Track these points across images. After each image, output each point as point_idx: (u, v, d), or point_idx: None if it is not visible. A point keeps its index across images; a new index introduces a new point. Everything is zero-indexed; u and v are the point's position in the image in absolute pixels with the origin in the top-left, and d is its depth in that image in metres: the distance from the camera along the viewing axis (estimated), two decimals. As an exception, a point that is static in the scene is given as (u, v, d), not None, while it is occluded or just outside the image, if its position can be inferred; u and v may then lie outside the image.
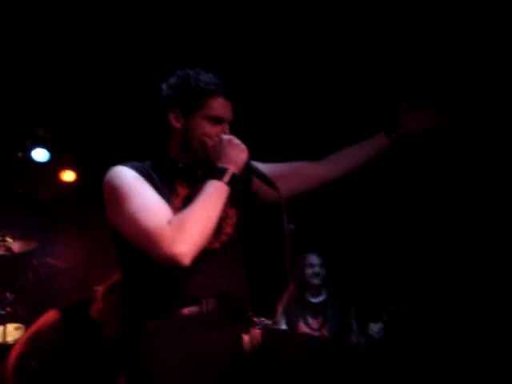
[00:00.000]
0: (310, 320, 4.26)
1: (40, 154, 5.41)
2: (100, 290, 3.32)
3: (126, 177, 1.99)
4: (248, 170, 2.10)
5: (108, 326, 3.24)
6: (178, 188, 2.08)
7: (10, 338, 4.11)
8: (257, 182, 2.23)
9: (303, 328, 4.19)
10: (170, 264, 1.83)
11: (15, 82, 4.95)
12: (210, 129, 2.09)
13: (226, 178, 1.98)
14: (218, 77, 2.13)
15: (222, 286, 2.00)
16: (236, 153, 2.03)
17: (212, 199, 1.93)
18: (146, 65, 4.62)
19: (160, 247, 1.81)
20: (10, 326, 4.22)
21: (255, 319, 2.06)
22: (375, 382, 1.74)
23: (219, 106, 2.10)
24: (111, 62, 4.71)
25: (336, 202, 5.04)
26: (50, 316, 3.31)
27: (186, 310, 1.94)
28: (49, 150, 5.44)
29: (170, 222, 1.85)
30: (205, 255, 1.94)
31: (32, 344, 3.25)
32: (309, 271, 4.37)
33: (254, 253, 2.40)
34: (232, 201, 2.10)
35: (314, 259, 4.42)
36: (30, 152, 5.40)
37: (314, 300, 4.37)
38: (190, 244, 1.83)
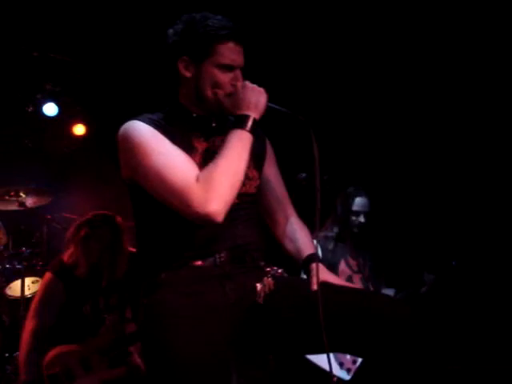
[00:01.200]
0: (351, 261, 3.96)
1: (50, 109, 5.39)
2: (69, 232, 3.47)
3: (144, 132, 1.91)
4: (268, 111, 2.00)
5: (78, 268, 3.41)
6: (195, 143, 2.01)
7: (27, 292, 4.17)
8: (268, 149, 2.22)
9: (344, 268, 3.91)
10: (203, 222, 1.82)
11: (23, 36, 4.91)
12: (221, 77, 1.99)
13: (248, 125, 1.91)
14: (227, 20, 2.03)
15: (236, 239, 1.98)
16: (254, 97, 1.94)
17: (237, 150, 1.87)
18: (153, 12, 4.55)
19: (192, 206, 1.79)
20: (28, 280, 4.28)
21: (268, 269, 2.04)
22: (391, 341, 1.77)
23: (230, 52, 2.00)
24: (119, 11, 4.64)
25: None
26: (46, 279, 3.45)
27: (199, 262, 1.93)
28: (58, 105, 5.42)
29: (197, 180, 1.81)
30: None
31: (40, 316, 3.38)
32: (354, 219, 3.92)
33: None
34: (255, 162, 2.07)
35: (362, 203, 3.94)
36: (40, 106, 5.39)
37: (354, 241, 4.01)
38: (222, 201, 1.80)
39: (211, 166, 1.85)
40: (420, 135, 4.83)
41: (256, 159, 2.09)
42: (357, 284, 3.84)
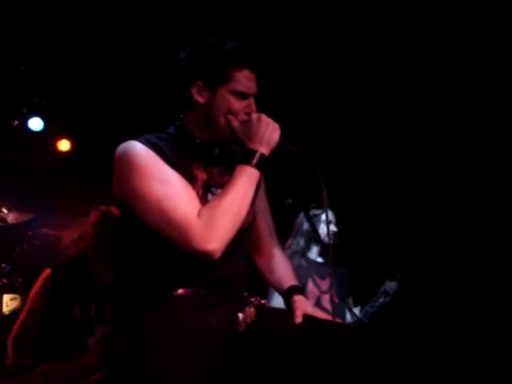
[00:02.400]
0: (319, 281, 3.84)
1: (36, 123, 5.35)
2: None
3: (144, 156, 1.86)
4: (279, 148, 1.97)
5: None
6: (196, 172, 1.97)
7: (6, 309, 4.10)
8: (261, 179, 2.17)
9: (313, 289, 3.80)
10: (200, 258, 1.81)
11: (10, 50, 4.88)
12: (236, 104, 1.96)
13: (257, 162, 1.87)
14: (244, 46, 2.00)
15: (220, 270, 1.94)
16: (268, 132, 1.91)
17: (243, 188, 1.84)
18: (139, 28, 4.55)
19: (191, 242, 1.77)
20: (6, 297, 4.20)
21: (251, 299, 2.02)
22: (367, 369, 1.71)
23: (246, 80, 1.97)
24: (106, 26, 4.62)
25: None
26: (43, 276, 3.42)
27: (182, 291, 1.91)
28: (43, 119, 5.38)
29: (199, 215, 1.78)
30: None
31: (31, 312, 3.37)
32: (324, 229, 3.83)
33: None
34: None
35: (331, 216, 3.83)
36: (26, 121, 5.34)
37: (320, 260, 3.91)
38: (222, 241, 1.79)
39: (215, 201, 1.83)
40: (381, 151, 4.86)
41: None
42: (326, 305, 3.74)
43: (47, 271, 3.43)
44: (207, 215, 1.78)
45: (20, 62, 5.02)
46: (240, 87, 1.96)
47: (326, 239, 3.83)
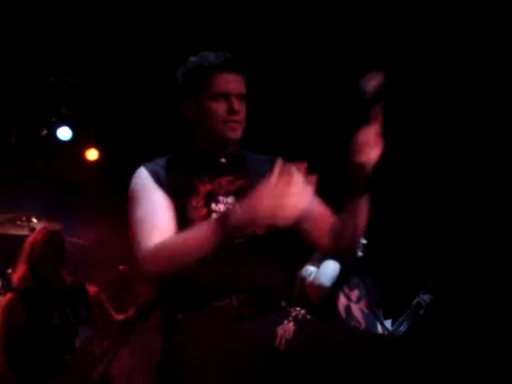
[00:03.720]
0: (347, 291, 3.79)
1: (64, 133, 5.38)
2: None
3: (138, 182, 1.99)
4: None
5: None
6: (198, 186, 1.99)
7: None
8: None
9: (342, 300, 3.75)
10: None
11: (40, 61, 4.93)
12: (215, 106, 1.99)
13: (236, 233, 1.81)
14: (221, 53, 2.04)
15: (254, 280, 1.92)
16: (271, 212, 1.66)
17: (206, 243, 1.78)
18: (169, 39, 4.59)
19: (137, 264, 1.88)
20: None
21: (290, 310, 1.95)
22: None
23: (222, 82, 2.00)
24: (135, 39, 4.66)
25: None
26: (7, 299, 3.61)
27: (216, 303, 1.88)
28: (72, 129, 5.41)
29: (154, 247, 1.85)
30: (232, 249, 1.89)
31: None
32: None
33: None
34: None
35: None
36: (54, 130, 5.38)
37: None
38: (156, 271, 1.87)
39: (179, 236, 1.86)
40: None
41: None
42: (357, 315, 3.71)
43: (9, 295, 3.61)
44: (161, 244, 1.85)
45: (50, 72, 5.07)
46: (216, 89, 1.99)
47: (359, 253, 3.76)
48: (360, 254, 3.84)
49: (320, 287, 3.63)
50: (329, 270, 3.69)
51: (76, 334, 3.55)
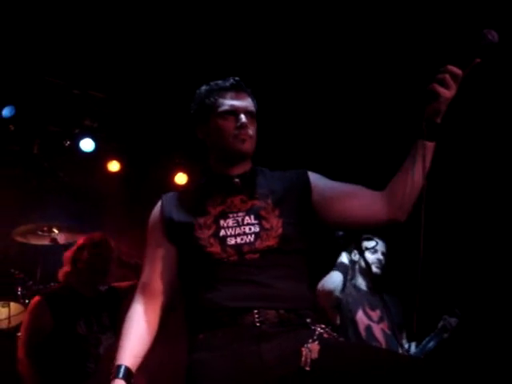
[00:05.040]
0: (369, 310, 3.72)
1: (87, 144, 5.42)
2: (68, 253, 3.79)
3: (151, 217, 2.16)
4: None
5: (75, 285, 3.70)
6: (209, 208, 2.05)
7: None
8: (317, 195, 2.08)
9: (363, 319, 3.67)
10: None
11: (64, 73, 4.99)
12: (224, 123, 2.06)
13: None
14: (229, 78, 2.14)
15: (275, 296, 1.90)
16: None
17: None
18: (188, 52, 4.61)
19: None
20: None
21: (314, 327, 1.92)
22: None
23: (229, 100, 2.08)
24: (157, 54, 4.70)
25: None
26: (34, 302, 3.62)
27: (237, 322, 1.87)
28: (95, 140, 5.45)
29: (130, 311, 2.05)
30: (247, 266, 1.92)
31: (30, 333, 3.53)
32: (371, 257, 3.78)
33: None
34: (283, 213, 2.02)
35: (377, 242, 3.82)
36: (77, 141, 5.42)
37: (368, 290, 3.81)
38: None
39: (125, 330, 2.01)
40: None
41: (282, 206, 2.04)
42: (378, 336, 3.64)
43: (37, 298, 3.62)
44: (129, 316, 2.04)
45: (74, 84, 5.12)
46: (224, 107, 2.07)
47: (376, 270, 3.79)
48: (377, 270, 3.83)
49: (327, 294, 3.61)
50: (333, 277, 3.68)
51: (100, 342, 3.54)
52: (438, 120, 1.92)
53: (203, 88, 2.16)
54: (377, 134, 4.93)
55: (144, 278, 2.09)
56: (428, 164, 1.92)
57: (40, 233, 4.32)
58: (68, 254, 3.79)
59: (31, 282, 4.33)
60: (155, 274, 2.07)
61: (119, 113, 5.46)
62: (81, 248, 3.76)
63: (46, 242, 4.35)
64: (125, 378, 1.86)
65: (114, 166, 5.68)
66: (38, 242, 4.42)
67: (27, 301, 4.27)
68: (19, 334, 3.64)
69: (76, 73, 4.98)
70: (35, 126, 5.27)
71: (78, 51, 4.66)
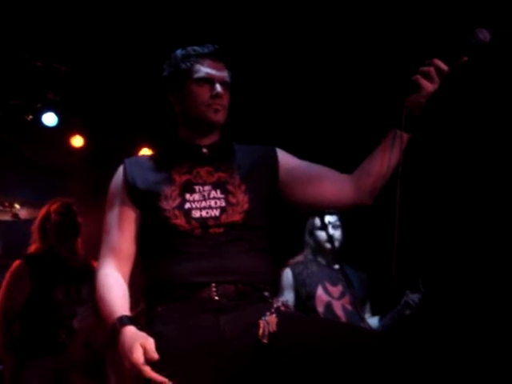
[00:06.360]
0: (329, 287, 3.69)
1: (50, 118, 5.34)
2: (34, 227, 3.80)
3: (114, 183, 2.09)
4: None
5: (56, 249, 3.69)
6: (174, 176, 2.04)
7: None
8: (284, 175, 2.10)
9: (323, 296, 3.65)
10: None
11: (26, 46, 4.88)
12: (199, 90, 2.04)
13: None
14: (208, 45, 2.10)
15: (235, 270, 1.91)
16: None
17: (105, 318, 1.90)
18: (154, 25, 4.57)
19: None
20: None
21: (272, 301, 1.94)
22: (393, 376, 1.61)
23: (206, 68, 2.05)
24: (122, 26, 4.63)
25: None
26: (14, 265, 3.64)
27: (196, 295, 1.88)
28: (58, 115, 5.36)
29: (100, 275, 1.97)
30: (211, 240, 1.92)
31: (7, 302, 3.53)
32: (321, 233, 3.72)
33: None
34: (249, 189, 2.03)
35: (329, 217, 3.73)
36: (40, 116, 5.33)
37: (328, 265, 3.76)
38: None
39: (105, 293, 1.92)
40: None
41: (249, 181, 2.05)
42: (338, 312, 3.64)
43: (17, 262, 3.64)
44: (100, 281, 1.96)
45: (36, 57, 5.02)
46: (201, 74, 2.05)
47: (324, 244, 3.77)
48: (339, 245, 3.81)
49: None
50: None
51: (74, 314, 3.51)
52: (417, 112, 1.94)
53: (179, 52, 2.11)
54: (348, 115, 4.94)
55: (112, 241, 2.01)
56: (401, 154, 1.94)
57: (1, 208, 4.26)
58: (35, 227, 3.78)
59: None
60: (124, 237, 2.01)
61: (83, 86, 5.37)
62: (46, 215, 3.76)
63: (7, 217, 4.29)
64: (132, 323, 1.80)
65: (77, 141, 5.62)
66: (-1, 217, 4.36)
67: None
68: None
69: (39, 45, 4.87)
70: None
71: (41, 22, 4.56)
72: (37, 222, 3.76)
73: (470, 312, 4.30)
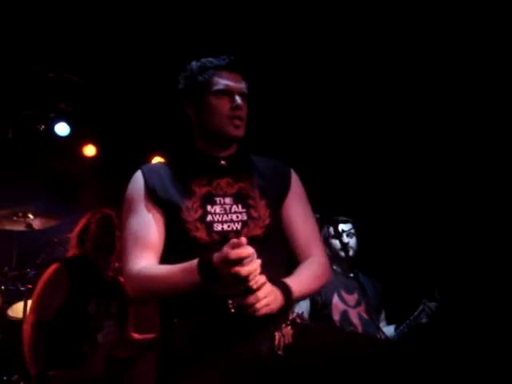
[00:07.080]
0: (345, 295, 3.70)
1: (62, 128, 5.37)
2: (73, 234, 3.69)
3: (134, 188, 2.04)
4: None
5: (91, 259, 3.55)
6: (194, 187, 2.03)
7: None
8: (285, 207, 2.14)
9: (339, 304, 3.65)
10: None
11: (37, 57, 4.92)
12: (217, 102, 2.04)
13: (209, 278, 1.80)
14: (225, 57, 2.11)
15: None
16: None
17: (179, 282, 1.85)
18: (168, 36, 4.59)
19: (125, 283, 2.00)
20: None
21: (287, 313, 1.92)
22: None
23: (224, 79, 2.06)
24: (135, 37, 4.66)
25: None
26: (52, 268, 3.48)
27: (212, 307, 1.87)
28: (70, 125, 5.40)
29: (139, 271, 1.91)
30: None
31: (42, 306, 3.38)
32: (335, 242, 3.75)
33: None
34: (269, 203, 2.04)
35: (344, 226, 3.80)
36: (52, 126, 5.37)
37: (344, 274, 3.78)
38: (140, 298, 1.98)
39: (162, 271, 1.89)
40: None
41: (268, 196, 2.06)
42: (354, 320, 3.64)
43: (56, 265, 3.48)
44: (143, 276, 1.92)
45: (49, 68, 5.05)
46: (219, 86, 2.05)
47: (339, 252, 3.77)
48: (353, 254, 3.82)
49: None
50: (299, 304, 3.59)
51: (101, 327, 3.41)
52: None
53: (194, 64, 2.12)
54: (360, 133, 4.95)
55: (145, 239, 1.96)
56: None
57: (15, 218, 4.26)
58: (73, 235, 3.71)
59: (6, 268, 4.30)
60: (158, 236, 1.99)
61: (95, 96, 5.40)
62: (86, 225, 3.67)
63: (21, 227, 4.29)
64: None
65: (89, 151, 5.65)
66: (12, 227, 4.36)
67: (3, 287, 4.25)
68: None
69: (51, 56, 4.91)
70: (10, 111, 5.20)
71: (54, 34, 4.60)
72: (76, 231, 3.69)
73: (486, 321, 4.28)
